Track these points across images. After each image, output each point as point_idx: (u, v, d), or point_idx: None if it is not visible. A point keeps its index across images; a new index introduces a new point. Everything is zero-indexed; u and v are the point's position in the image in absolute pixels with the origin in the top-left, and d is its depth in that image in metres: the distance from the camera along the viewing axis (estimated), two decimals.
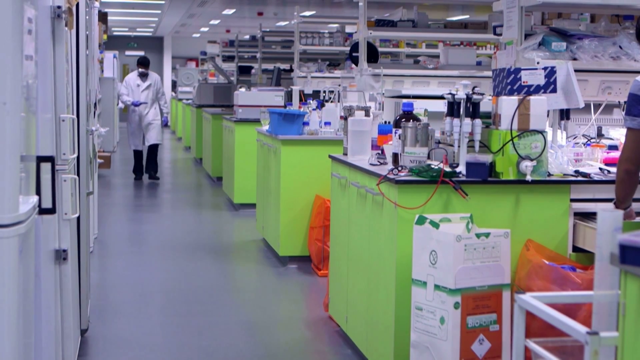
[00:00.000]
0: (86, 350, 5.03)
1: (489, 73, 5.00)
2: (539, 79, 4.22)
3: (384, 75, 6.17)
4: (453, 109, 4.24)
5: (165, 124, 13.69)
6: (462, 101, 4.20)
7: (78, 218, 4.50)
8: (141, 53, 29.76)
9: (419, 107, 4.93)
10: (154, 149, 13.19)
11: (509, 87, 4.18)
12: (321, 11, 17.00)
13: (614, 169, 4.38)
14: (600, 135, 5.03)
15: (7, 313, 2.42)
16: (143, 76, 13.05)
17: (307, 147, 7.25)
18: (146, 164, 13.37)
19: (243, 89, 10.74)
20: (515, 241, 4.04)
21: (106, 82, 16.61)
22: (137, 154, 13.33)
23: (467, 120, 4.18)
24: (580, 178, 4.20)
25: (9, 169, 2.41)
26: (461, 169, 4.15)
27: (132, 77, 13.13)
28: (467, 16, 13.71)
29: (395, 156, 4.58)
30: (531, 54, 4.44)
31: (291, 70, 12.01)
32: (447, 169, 4.11)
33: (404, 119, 4.57)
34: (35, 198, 2.89)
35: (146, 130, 13.00)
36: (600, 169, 4.38)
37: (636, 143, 3.66)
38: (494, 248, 3.88)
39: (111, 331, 5.46)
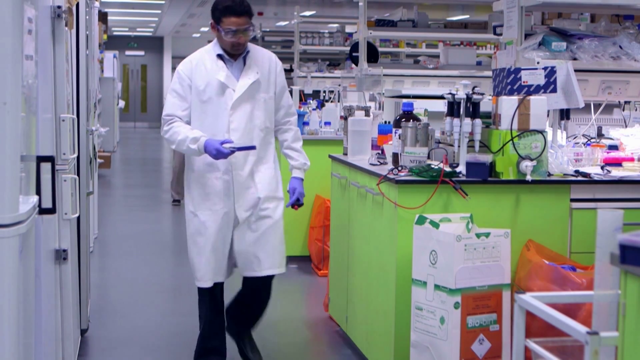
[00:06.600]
0: (86, 350, 5.03)
1: (489, 73, 5.00)
2: (539, 79, 4.22)
3: (384, 75, 6.16)
4: (453, 108, 4.24)
5: (296, 203, 4.69)
6: (462, 101, 4.20)
7: (78, 218, 4.50)
8: (141, 53, 29.76)
9: (419, 107, 4.93)
10: (264, 286, 4.71)
11: (509, 87, 4.18)
12: (321, 11, 16.98)
13: (614, 169, 4.39)
14: (600, 135, 5.03)
15: (7, 313, 2.42)
16: (234, 54, 4.41)
17: (307, 147, 7.10)
18: (237, 328, 4.75)
19: None
20: (515, 241, 4.04)
21: (106, 82, 16.63)
22: (211, 298, 4.59)
23: (467, 120, 4.17)
24: (580, 178, 4.19)
25: (9, 169, 2.41)
26: (461, 169, 4.15)
27: (203, 62, 4.42)
28: (467, 16, 13.69)
29: (395, 156, 4.58)
30: (531, 54, 4.43)
31: (291, 70, 12.01)
32: (447, 169, 4.11)
33: (404, 119, 4.57)
34: (35, 198, 2.88)
35: (246, 229, 4.46)
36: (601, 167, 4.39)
37: None
38: (494, 248, 3.87)
39: (111, 331, 5.46)
